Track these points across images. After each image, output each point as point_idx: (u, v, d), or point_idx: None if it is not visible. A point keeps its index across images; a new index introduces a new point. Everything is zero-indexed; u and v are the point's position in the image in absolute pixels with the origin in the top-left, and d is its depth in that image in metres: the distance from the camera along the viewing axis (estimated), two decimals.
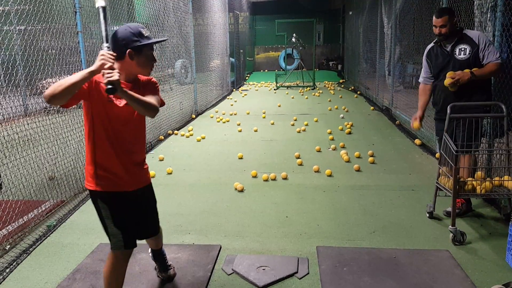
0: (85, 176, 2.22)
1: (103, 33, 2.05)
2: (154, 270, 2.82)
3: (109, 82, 1.87)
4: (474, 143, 3.37)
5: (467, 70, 3.42)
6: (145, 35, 2.17)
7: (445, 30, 3.54)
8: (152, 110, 2.12)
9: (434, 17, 3.60)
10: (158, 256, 2.73)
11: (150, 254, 2.77)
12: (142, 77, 2.27)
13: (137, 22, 7.33)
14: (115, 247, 2.22)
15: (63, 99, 1.89)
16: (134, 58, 2.13)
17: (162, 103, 2.34)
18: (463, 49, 3.54)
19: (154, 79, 2.33)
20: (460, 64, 3.52)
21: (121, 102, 2.12)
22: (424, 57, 3.86)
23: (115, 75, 1.88)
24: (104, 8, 2.09)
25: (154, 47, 2.27)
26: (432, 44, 3.80)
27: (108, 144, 2.14)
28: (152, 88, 2.25)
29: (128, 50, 2.10)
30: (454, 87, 3.44)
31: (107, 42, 2.04)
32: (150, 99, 2.13)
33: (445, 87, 3.52)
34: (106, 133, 2.13)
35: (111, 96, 2.03)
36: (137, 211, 2.34)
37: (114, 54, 1.97)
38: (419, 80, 3.96)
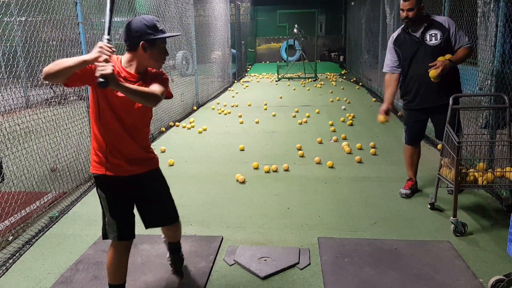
0: (91, 162, 2.21)
1: (106, 25, 2.04)
2: (167, 261, 2.76)
3: (101, 76, 1.85)
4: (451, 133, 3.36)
5: (441, 58, 3.34)
6: (160, 28, 2.18)
7: (412, 13, 3.50)
8: (152, 99, 2.07)
9: (401, 1, 3.57)
10: (176, 250, 2.70)
11: (167, 248, 2.73)
12: (152, 69, 2.25)
13: (138, 13, 7.32)
14: (112, 237, 2.24)
15: (57, 79, 1.95)
16: (147, 50, 2.13)
17: (169, 95, 2.33)
18: (433, 34, 3.50)
19: (164, 72, 2.30)
20: (432, 50, 3.46)
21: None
22: (390, 45, 3.74)
23: (108, 69, 1.85)
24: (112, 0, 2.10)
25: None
26: (399, 31, 3.73)
27: (115, 127, 2.15)
28: (159, 78, 2.22)
29: (142, 42, 2.11)
30: (438, 78, 3.37)
31: (108, 34, 2.03)
32: (152, 87, 2.11)
33: (420, 77, 3.49)
34: (111, 117, 2.13)
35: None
36: (140, 197, 2.33)
37: (113, 48, 1.96)
38: (384, 70, 3.80)
